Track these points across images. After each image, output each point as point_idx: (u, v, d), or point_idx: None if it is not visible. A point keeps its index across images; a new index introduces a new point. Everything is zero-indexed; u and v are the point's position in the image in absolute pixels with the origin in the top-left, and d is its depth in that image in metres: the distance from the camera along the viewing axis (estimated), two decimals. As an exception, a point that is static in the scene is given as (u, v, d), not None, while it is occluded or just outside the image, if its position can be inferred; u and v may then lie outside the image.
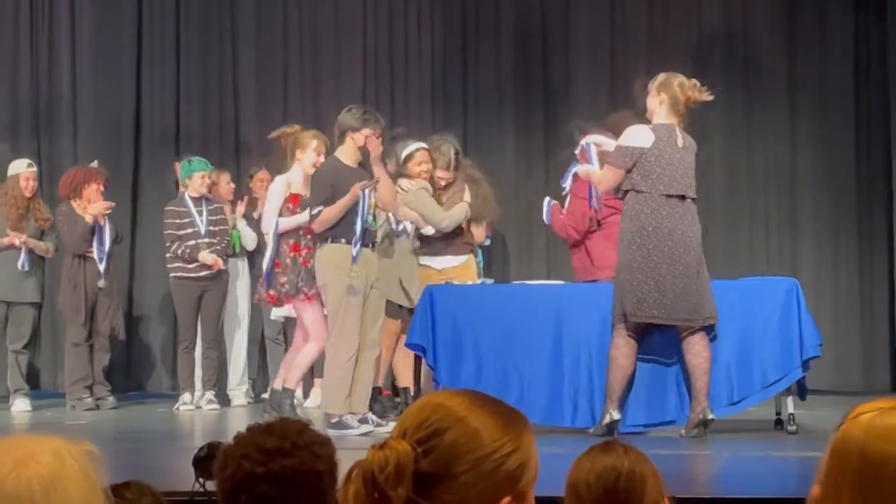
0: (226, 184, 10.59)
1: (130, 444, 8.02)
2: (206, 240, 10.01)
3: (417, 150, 8.89)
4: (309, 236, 8.45)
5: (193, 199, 10.04)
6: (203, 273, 10.06)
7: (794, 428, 7.66)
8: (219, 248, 10.06)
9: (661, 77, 7.62)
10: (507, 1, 11.56)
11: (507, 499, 1.83)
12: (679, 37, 11.25)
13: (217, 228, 10.08)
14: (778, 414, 7.93)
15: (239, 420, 9.24)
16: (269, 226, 8.71)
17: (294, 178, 8.74)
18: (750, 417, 7.88)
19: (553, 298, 7.95)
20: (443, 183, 8.99)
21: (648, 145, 7.47)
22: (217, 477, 2.62)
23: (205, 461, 4.28)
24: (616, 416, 7.52)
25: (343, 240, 7.88)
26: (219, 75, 11.98)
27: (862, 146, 10.90)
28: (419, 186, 8.76)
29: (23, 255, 10.01)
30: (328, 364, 7.98)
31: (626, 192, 7.53)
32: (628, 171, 7.50)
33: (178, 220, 10.00)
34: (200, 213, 10.02)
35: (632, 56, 11.19)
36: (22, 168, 10.18)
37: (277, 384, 8.85)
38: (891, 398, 1.86)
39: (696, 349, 7.51)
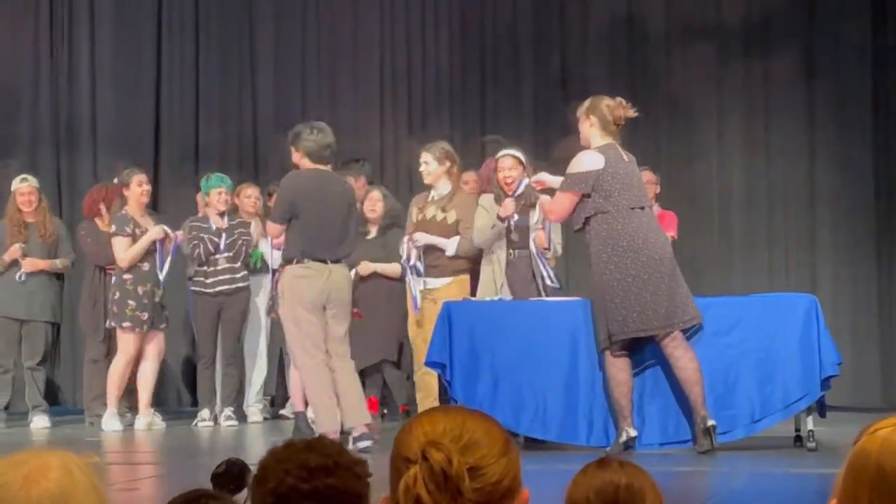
0: (249, 198, 10.50)
1: (148, 458, 8.04)
2: (225, 254, 10.03)
3: (503, 156, 8.73)
4: None
5: (213, 215, 10.07)
6: (221, 289, 10.08)
7: (813, 445, 7.63)
8: (236, 264, 10.07)
9: (588, 101, 7.79)
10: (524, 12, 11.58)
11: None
12: (698, 44, 11.25)
13: (234, 241, 10.08)
14: (797, 431, 7.90)
15: (256, 437, 9.24)
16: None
17: None
18: (769, 434, 7.85)
19: (569, 315, 7.93)
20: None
21: (602, 166, 7.58)
22: (254, 490, 2.63)
23: (223, 477, 4.30)
24: (632, 432, 7.51)
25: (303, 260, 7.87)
26: (238, 93, 12.02)
27: (881, 164, 10.88)
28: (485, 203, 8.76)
29: (21, 269, 10.00)
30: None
31: (589, 218, 7.60)
32: (587, 196, 7.58)
33: (201, 234, 10.05)
34: (220, 230, 10.04)
35: (650, 67, 11.23)
36: (16, 184, 10.15)
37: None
38: (907, 415, 1.85)
39: (682, 362, 7.53)
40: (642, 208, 7.63)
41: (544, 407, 7.85)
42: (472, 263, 8.89)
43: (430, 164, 8.86)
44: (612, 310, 7.53)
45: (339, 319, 7.93)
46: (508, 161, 8.66)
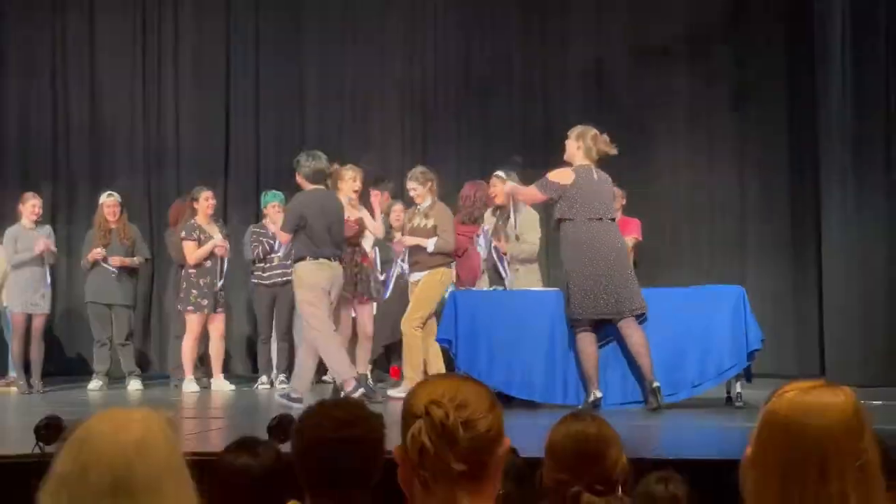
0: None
1: (217, 414, 8.04)
2: (279, 253, 10.04)
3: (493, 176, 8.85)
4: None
5: (270, 223, 10.08)
6: (275, 280, 10.09)
7: (741, 404, 7.63)
8: (287, 262, 10.07)
9: (579, 128, 7.76)
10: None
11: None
12: (653, 84, 11.24)
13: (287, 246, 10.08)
14: (728, 393, 7.90)
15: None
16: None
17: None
18: (706, 396, 7.83)
19: (549, 302, 7.92)
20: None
21: (570, 182, 7.58)
22: (294, 439, 2.65)
23: (276, 429, 4.32)
24: (598, 394, 7.49)
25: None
26: (290, 123, 12.03)
27: (796, 182, 10.87)
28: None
29: (109, 266, 10.02)
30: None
31: (559, 221, 7.64)
32: (550, 201, 7.66)
33: (260, 237, 10.07)
34: (275, 234, 10.04)
35: (617, 101, 11.23)
36: (104, 198, 10.17)
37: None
38: (809, 381, 1.85)
39: (633, 339, 7.54)
40: (600, 219, 7.59)
41: (529, 373, 7.85)
42: (446, 258, 8.83)
43: (417, 188, 8.84)
44: (572, 297, 7.56)
45: (335, 302, 8.12)
46: (494, 180, 8.76)
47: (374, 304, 9.31)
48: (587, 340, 7.60)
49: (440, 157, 11.44)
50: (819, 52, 10.03)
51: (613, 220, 7.74)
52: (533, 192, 7.81)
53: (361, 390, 7.68)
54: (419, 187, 8.83)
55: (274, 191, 10.37)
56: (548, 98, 11.51)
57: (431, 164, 10.78)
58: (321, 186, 8.16)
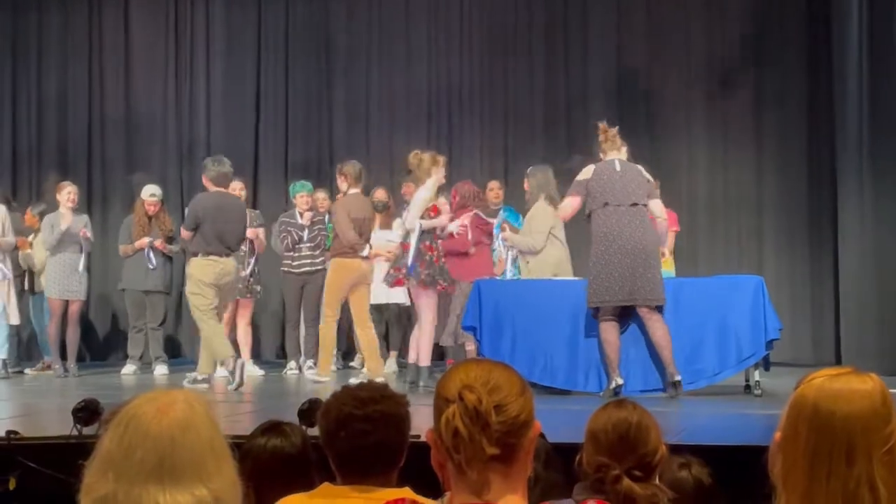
0: (322, 199, 10.51)
1: (247, 398, 8.07)
2: (308, 243, 10.06)
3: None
4: (438, 240, 8.35)
5: (299, 212, 10.10)
6: (304, 269, 10.11)
7: (759, 392, 7.61)
8: (316, 251, 10.10)
9: (603, 125, 7.82)
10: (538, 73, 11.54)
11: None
12: (675, 87, 11.20)
13: (315, 233, 10.10)
14: (747, 381, 7.87)
15: (330, 382, 9.25)
16: (413, 225, 8.30)
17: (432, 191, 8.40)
18: (726, 384, 7.81)
19: (571, 291, 7.91)
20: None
21: (590, 176, 7.63)
22: (321, 420, 2.65)
23: (307, 412, 4.33)
24: (620, 381, 7.48)
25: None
26: (318, 117, 12.04)
27: (813, 176, 10.81)
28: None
29: (148, 255, 10.09)
30: None
31: (588, 214, 7.67)
32: (583, 197, 7.66)
33: (289, 228, 10.07)
34: (303, 225, 10.07)
35: (636, 100, 11.19)
36: (146, 196, 10.24)
37: (412, 359, 8.54)
38: (835, 368, 1.85)
39: (657, 333, 7.51)
40: (619, 206, 7.55)
41: (552, 361, 7.85)
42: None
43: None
44: (590, 283, 7.57)
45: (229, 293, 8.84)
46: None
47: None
48: (609, 329, 7.59)
49: (466, 149, 11.49)
50: (836, 43, 10.01)
51: (637, 205, 7.61)
52: (567, 202, 7.87)
53: (238, 367, 8.21)
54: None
55: (302, 181, 10.38)
56: (570, 100, 11.44)
57: (456, 157, 10.82)
58: (222, 189, 8.64)
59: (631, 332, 7.75)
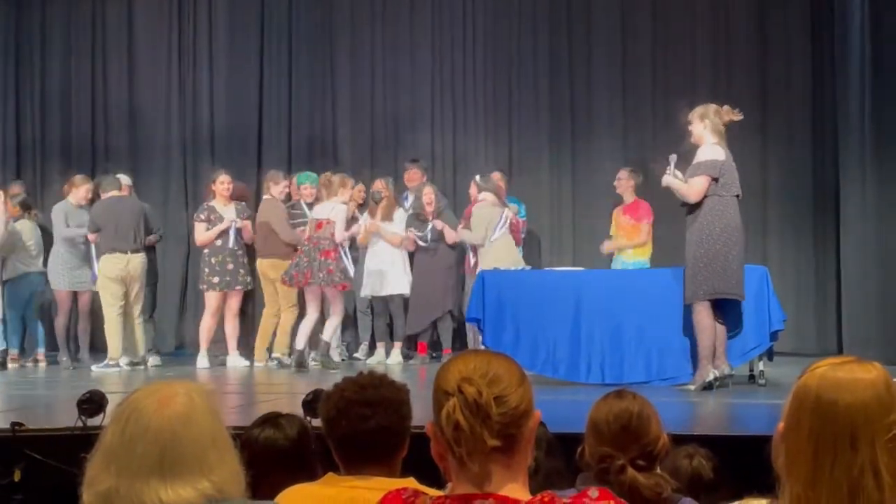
0: (358, 191, 10.41)
1: (235, 390, 8.08)
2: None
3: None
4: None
5: (304, 203, 10.09)
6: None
7: (763, 382, 7.61)
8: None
9: (700, 109, 7.40)
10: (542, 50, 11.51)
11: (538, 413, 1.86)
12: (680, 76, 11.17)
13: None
14: (751, 371, 7.86)
15: (335, 374, 9.26)
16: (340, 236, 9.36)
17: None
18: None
19: (575, 281, 7.90)
20: None
21: (724, 158, 7.31)
22: (322, 408, 2.66)
23: (311, 403, 4.34)
24: (725, 370, 7.26)
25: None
26: (322, 108, 12.01)
27: (817, 169, 10.78)
28: None
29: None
30: None
31: (706, 197, 7.28)
32: (714, 180, 7.28)
33: (293, 218, 10.06)
34: (307, 213, 10.06)
35: (641, 89, 11.17)
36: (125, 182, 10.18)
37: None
38: (838, 357, 1.84)
39: (720, 326, 7.39)
40: (737, 196, 7.41)
41: (554, 352, 7.84)
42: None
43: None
44: (716, 273, 7.24)
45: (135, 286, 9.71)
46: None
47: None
48: (706, 313, 7.28)
49: (470, 137, 11.47)
50: (839, 33, 9.98)
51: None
52: (696, 181, 7.23)
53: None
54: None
55: (307, 172, 10.37)
56: (574, 92, 11.39)
57: (460, 146, 10.80)
58: (114, 193, 9.68)
59: (634, 323, 7.72)
